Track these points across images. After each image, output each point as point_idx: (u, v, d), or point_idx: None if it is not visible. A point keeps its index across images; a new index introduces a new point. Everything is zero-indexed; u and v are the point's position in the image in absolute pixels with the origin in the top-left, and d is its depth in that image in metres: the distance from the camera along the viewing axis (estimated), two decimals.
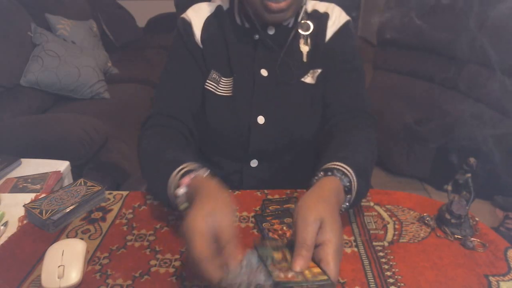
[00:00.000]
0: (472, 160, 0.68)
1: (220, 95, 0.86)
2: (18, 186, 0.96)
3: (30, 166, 1.07)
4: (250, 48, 0.86)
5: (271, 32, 0.85)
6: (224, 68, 0.86)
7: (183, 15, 0.88)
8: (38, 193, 0.86)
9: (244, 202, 0.79)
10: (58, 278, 0.59)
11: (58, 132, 1.65)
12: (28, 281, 0.61)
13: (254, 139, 0.86)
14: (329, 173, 0.64)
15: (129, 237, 0.71)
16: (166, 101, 0.86)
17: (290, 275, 0.48)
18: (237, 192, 0.83)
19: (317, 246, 0.51)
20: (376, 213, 0.76)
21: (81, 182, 0.83)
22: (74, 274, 0.60)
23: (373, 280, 0.61)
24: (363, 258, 0.65)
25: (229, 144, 0.89)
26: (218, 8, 0.87)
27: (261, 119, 0.85)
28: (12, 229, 0.75)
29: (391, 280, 0.60)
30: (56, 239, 0.71)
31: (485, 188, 0.98)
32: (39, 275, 0.60)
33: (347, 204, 0.65)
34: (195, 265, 0.49)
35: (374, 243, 0.68)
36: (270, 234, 0.69)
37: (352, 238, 0.70)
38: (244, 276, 0.48)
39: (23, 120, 1.79)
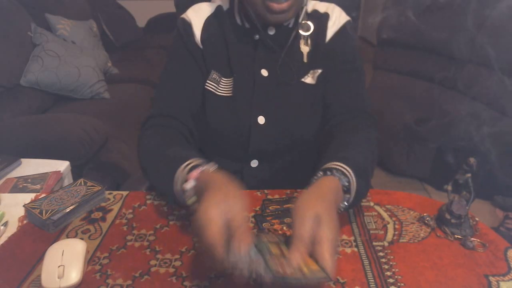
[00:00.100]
0: (472, 160, 0.68)
1: (220, 95, 0.86)
2: (18, 186, 0.96)
3: (30, 166, 1.07)
4: (250, 48, 0.86)
5: (271, 32, 0.85)
6: (224, 68, 0.86)
7: (183, 15, 0.88)
8: (38, 193, 0.87)
9: None
10: (58, 278, 0.59)
11: (58, 132, 1.64)
12: (28, 281, 0.61)
13: (254, 139, 0.86)
14: (329, 173, 0.64)
15: (129, 237, 0.71)
16: (166, 101, 0.86)
17: (288, 271, 0.48)
18: None
19: (314, 243, 0.52)
20: (376, 213, 0.76)
21: (81, 182, 0.83)
22: (74, 274, 0.60)
23: (373, 280, 0.61)
24: (363, 258, 0.65)
25: (229, 144, 0.89)
26: (218, 8, 0.87)
27: (261, 119, 0.85)
28: (12, 229, 0.75)
29: (391, 280, 0.60)
30: (56, 239, 0.71)
31: (485, 188, 0.98)
32: (39, 275, 0.60)
33: (346, 203, 0.65)
34: (207, 252, 0.50)
35: (374, 243, 0.68)
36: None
37: (352, 238, 0.70)
38: (245, 264, 0.48)
39: (23, 120, 1.79)
